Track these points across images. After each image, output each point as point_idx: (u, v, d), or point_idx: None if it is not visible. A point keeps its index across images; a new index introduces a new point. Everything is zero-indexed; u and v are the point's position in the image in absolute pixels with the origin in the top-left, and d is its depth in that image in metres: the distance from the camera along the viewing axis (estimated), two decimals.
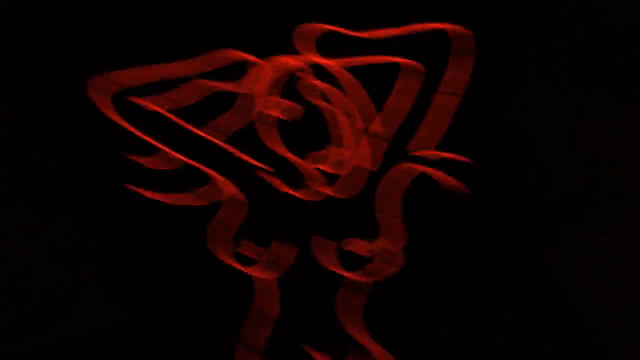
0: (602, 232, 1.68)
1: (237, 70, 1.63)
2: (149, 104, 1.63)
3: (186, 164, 1.65)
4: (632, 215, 1.68)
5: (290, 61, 1.62)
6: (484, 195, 1.68)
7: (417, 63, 1.65)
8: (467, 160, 1.67)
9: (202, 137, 1.64)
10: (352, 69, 1.65)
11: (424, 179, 1.69)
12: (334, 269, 1.69)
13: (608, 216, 1.68)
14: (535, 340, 1.67)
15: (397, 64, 1.65)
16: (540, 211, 1.70)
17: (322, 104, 1.65)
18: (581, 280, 1.67)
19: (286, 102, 1.65)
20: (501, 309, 1.69)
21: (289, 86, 1.65)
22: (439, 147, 1.68)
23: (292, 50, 1.63)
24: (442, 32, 1.64)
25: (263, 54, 1.63)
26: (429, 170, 1.68)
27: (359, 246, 1.70)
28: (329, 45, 1.63)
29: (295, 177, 1.68)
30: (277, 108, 1.65)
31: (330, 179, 1.69)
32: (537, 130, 1.70)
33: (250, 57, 1.63)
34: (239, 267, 1.69)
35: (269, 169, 1.67)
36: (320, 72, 1.64)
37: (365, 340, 1.68)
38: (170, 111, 1.64)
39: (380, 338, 1.68)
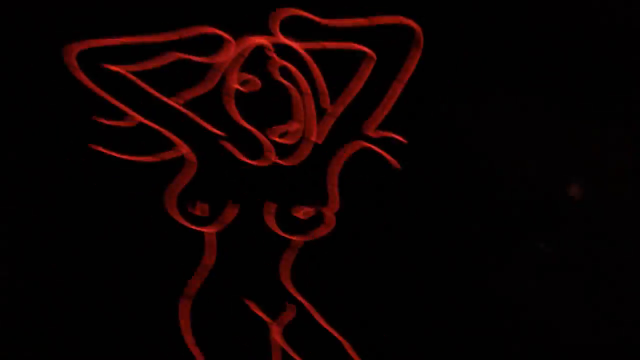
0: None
1: (211, 46, 1.67)
2: (122, 71, 1.64)
3: (152, 128, 1.70)
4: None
5: (260, 41, 1.68)
6: (415, 175, 1.88)
7: (370, 51, 1.75)
8: (403, 140, 1.84)
9: (170, 105, 1.69)
10: (314, 52, 1.73)
11: (363, 153, 1.85)
12: (273, 228, 1.85)
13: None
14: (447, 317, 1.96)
15: (353, 51, 1.75)
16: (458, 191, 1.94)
17: (282, 81, 1.73)
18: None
19: (248, 76, 1.71)
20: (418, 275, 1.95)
21: (256, 63, 1.71)
22: (380, 128, 1.83)
23: (266, 32, 1.68)
24: (399, 26, 1.75)
25: (237, 33, 1.67)
26: (369, 146, 1.83)
27: (297, 209, 1.85)
28: (298, 29, 1.70)
29: (248, 145, 1.78)
30: (240, 82, 1.71)
31: (279, 147, 1.80)
32: (471, 125, 1.90)
33: (224, 34, 1.66)
34: (186, 223, 1.81)
35: (222, 134, 1.76)
36: (286, 52, 1.71)
37: (296, 294, 1.88)
38: (142, 79, 1.66)
39: (310, 294, 1.90)
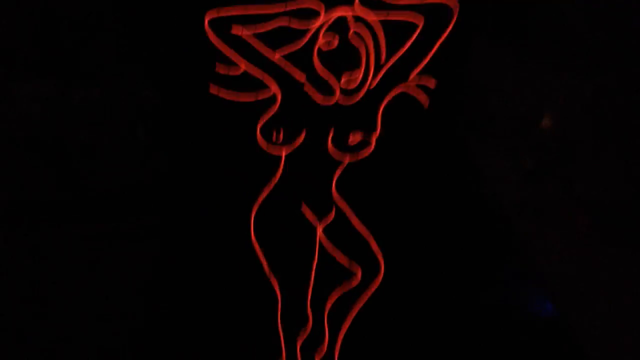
0: None
1: (307, 15, 2.18)
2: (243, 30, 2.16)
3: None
4: None
5: (341, 12, 2.21)
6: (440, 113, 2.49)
7: (417, 21, 2.31)
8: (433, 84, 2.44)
9: (269, 58, 2.23)
10: (379, 21, 2.28)
11: (403, 95, 2.44)
12: (330, 150, 2.43)
13: None
14: None
15: (405, 21, 2.31)
16: None
17: (354, 41, 2.29)
18: None
19: (329, 38, 2.26)
20: None
21: (337, 28, 2.24)
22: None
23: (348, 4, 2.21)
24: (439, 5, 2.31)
25: (327, 6, 2.19)
26: (409, 88, 2.42)
27: (350, 135, 2.44)
28: (369, 4, 2.23)
29: (322, 88, 2.34)
30: (323, 41, 2.26)
31: (344, 91, 2.37)
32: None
33: (320, 7, 2.18)
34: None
35: (303, 80, 2.31)
36: (359, 20, 2.25)
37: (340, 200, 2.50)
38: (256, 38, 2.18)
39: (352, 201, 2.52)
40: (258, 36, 2.20)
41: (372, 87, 2.37)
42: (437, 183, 2.61)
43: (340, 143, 2.45)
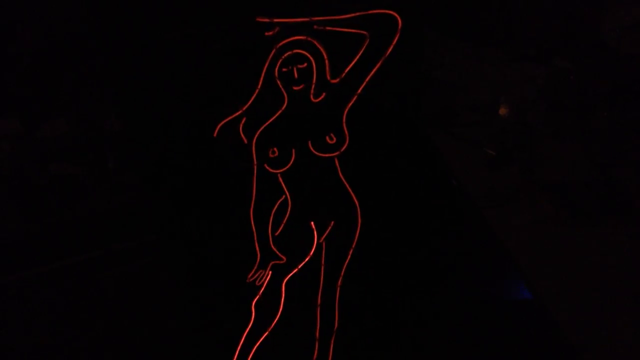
0: None
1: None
2: None
3: None
4: None
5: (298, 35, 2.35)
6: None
7: (365, 33, 2.41)
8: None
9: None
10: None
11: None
12: (313, 150, 2.55)
13: None
14: None
15: (352, 34, 2.41)
16: None
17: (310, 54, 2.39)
18: None
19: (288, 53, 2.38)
20: None
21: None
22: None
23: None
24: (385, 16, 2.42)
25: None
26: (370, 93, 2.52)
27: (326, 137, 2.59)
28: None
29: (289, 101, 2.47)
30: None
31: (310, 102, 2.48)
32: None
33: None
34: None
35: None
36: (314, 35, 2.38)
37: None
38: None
39: None
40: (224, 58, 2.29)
41: (333, 95, 2.46)
42: (408, 178, 2.70)
43: (321, 146, 2.57)
